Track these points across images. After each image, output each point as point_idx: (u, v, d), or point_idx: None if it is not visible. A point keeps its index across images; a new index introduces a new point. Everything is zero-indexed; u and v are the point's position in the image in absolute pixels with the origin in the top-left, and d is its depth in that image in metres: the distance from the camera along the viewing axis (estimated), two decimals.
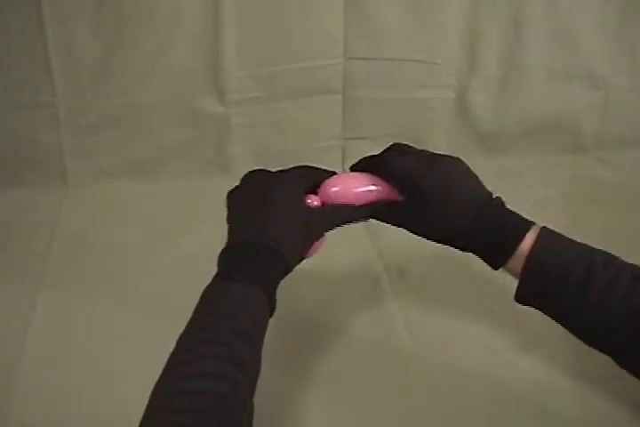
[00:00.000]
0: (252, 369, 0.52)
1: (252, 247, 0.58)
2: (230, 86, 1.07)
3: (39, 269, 0.92)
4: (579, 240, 0.62)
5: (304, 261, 0.63)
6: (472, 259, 0.66)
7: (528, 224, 0.61)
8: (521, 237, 0.59)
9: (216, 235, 1.00)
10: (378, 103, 1.13)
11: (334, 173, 0.68)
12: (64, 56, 1.01)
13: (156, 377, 0.75)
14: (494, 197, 0.63)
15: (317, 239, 0.62)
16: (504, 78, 1.14)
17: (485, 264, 0.64)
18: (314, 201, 0.64)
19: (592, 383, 0.75)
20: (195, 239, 0.99)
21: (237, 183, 0.66)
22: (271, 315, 0.58)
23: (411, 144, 0.71)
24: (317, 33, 1.06)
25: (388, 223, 0.66)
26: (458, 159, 0.67)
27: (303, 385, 0.75)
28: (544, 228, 0.61)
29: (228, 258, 0.60)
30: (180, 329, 0.82)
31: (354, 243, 0.93)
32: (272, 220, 0.59)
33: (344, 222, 0.65)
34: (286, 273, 0.60)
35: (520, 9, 1.08)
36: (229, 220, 0.63)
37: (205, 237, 0.99)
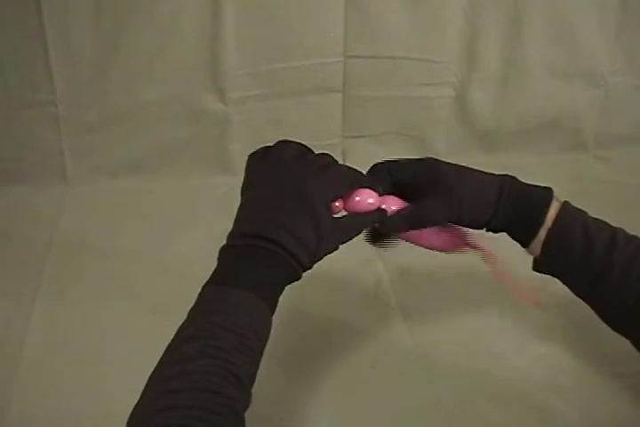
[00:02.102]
0: (246, 383, 0.49)
1: (265, 248, 0.52)
2: (230, 84, 1.07)
3: (39, 267, 0.92)
4: None
5: None
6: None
7: (548, 195, 0.60)
8: (545, 211, 0.59)
9: (216, 233, 1.00)
10: (378, 101, 1.13)
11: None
12: (63, 55, 1.01)
13: None
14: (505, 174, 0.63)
15: (338, 246, 0.57)
16: (504, 76, 1.14)
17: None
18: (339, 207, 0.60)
19: (591, 382, 0.75)
20: (195, 237, 0.99)
21: (266, 147, 0.60)
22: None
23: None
24: (317, 31, 1.06)
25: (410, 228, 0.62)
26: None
27: (302, 384, 0.75)
28: (565, 202, 0.61)
29: (235, 255, 0.54)
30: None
31: (355, 242, 0.93)
32: (301, 223, 0.53)
33: (360, 231, 0.60)
34: (294, 281, 0.55)
35: (520, 7, 1.08)
36: (247, 201, 0.57)
37: (205, 235, 0.99)
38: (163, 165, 1.12)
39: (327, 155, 0.61)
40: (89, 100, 1.06)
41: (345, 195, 0.60)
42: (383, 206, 0.61)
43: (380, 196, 0.61)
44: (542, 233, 0.59)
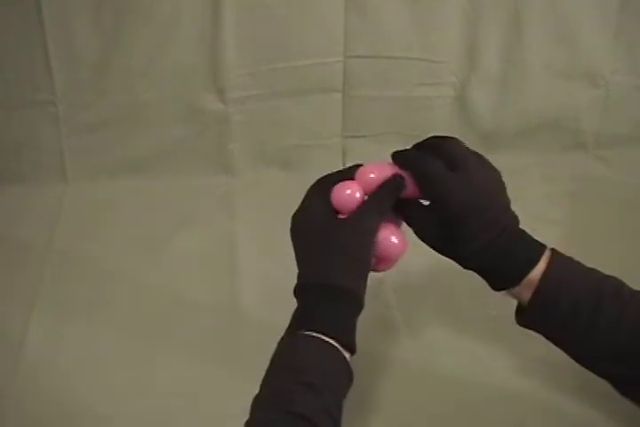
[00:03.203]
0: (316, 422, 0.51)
1: (309, 289, 0.58)
2: (230, 84, 1.07)
3: (38, 267, 0.92)
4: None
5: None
6: None
7: (540, 250, 0.59)
8: (532, 265, 0.57)
9: (215, 232, 1.01)
10: (378, 101, 1.13)
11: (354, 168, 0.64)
12: (63, 54, 1.01)
13: (155, 376, 0.76)
14: (512, 214, 0.61)
15: (372, 246, 0.59)
16: (504, 76, 1.14)
17: None
18: (355, 192, 0.60)
19: (592, 382, 0.75)
20: (194, 237, 0.99)
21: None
22: (353, 354, 0.58)
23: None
24: (317, 31, 1.06)
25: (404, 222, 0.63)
26: (487, 164, 0.64)
27: None
28: (554, 253, 0.59)
29: (298, 301, 0.59)
30: (179, 327, 0.83)
31: None
32: (325, 258, 0.57)
33: (381, 214, 0.60)
34: (357, 301, 0.58)
35: (520, 7, 1.08)
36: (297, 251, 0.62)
37: (205, 235, 0.99)
38: (163, 165, 1.12)
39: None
40: (89, 100, 1.06)
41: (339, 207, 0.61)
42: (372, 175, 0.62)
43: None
44: (523, 291, 0.58)
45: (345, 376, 0.56)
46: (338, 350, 0.56)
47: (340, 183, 0.62)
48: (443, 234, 0.59)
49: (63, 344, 0.80)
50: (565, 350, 0.60)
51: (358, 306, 0.58)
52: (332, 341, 0.55)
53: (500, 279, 0.59)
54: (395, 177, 0.61)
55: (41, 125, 1.06)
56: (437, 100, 1.15)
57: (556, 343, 0.60)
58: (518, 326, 0.62)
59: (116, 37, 1.02)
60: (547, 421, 0.71)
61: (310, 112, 1.12)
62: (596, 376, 0.74)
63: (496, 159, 1.18)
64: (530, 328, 0.61)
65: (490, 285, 0.61)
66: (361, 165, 0.64)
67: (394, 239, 0.61)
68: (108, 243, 0.98)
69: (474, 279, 0.85)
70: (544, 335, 0.61)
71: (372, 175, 0.61)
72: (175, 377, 0.76)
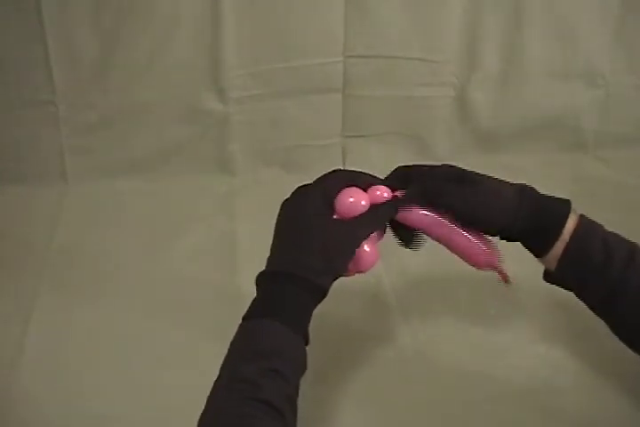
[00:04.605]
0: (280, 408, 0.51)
1: (281, 278, 0.57)
2: (230, 84, 1.07)
3: (39, 267, 0.92)
4: None
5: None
6: None
7: (567, 206, 0.61)
8: (564, 222, 0.59)
9: (216, 233, 1.01)
10: (378, 101, 1.13)
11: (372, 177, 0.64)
12: (63, 54, 1.01)
13: (156, 375, 0.76)
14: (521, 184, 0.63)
15: (355, 252, 0.60)
16: (504, 76, 1.14)
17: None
18: (361, 200, 0.61)
19: (592, 382, 0.75)
20: (194, 237, 0.99)
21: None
22: (306, 344, 0.58)
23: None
24: (317, 31, 1.06)
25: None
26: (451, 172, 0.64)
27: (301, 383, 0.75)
28: (582, 214, 0.61)
29: (262, 289, 0.58)
30: (180, 327, 0.83)
31: None
32: (302, 247, 0.58)
33: (376, 227, 0.62)
34: (322, 298, 0.59)
35: (520, 7, 1.08)
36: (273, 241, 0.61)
37: (205, 235, 0.99)
38: (163, 165, 1.12)
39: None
40: (89, 100, 1.06)
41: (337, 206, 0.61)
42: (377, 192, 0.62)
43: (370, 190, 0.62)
44: (559, 246, 0.59)
45: (304, 366, 0.57)
46: (300, 339, 0.57)
47: (351, 189, 0.62)
48: (473, 216, 0.61)
49: (63, 344, 0.80)
50: (594, 309, 0.61)
51: (319, 302, 0.59)
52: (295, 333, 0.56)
53: (542, 238, 0.60)
54: (397, 198, 0.62)
55: (41, 125, 1.06)
56: (437, 100, 1.15)
57: (584, 300, 0.61)
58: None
59: (116, 37, 1.02)
60: (547, 421, 0.71)
61: (310, 112, 1.12)
62: (594, 376, 0.75)
63: (495, 159, 1.20)
64: (559, 284, 0.62)
65: (535, 251, 0.61)
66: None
67: (366, 248, 0.62)
68: (109, 243, 0.98)
69: (473, 279, 0.85)
70: (573, 291, 0.61)
71: (385, 195, 0.62)
72: (176, 376, 0.76)
